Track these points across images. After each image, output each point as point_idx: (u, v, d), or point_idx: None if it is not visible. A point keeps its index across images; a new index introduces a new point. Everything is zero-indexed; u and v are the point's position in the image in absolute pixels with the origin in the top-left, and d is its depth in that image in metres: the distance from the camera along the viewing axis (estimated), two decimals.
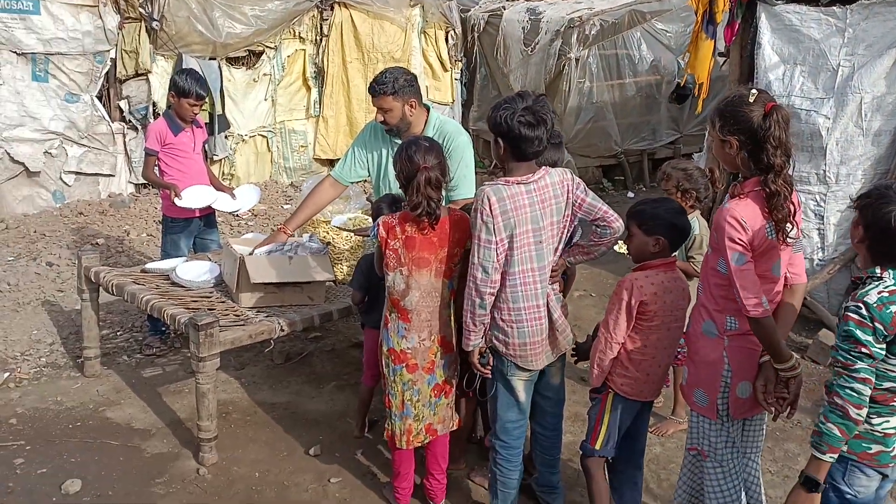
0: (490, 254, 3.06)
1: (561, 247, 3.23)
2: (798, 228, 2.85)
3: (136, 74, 8.40)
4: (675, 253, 3.91)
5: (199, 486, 3.86)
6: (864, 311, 2.44)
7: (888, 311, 2.43)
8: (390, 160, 3.83)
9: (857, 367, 2.45)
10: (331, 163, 9.94)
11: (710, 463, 2.97)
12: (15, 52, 7.73)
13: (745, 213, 2.74)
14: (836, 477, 2.64)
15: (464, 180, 4.07)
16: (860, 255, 2.62)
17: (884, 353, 2.46)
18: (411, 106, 4.02)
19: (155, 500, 3.75)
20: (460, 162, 4.06)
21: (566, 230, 3.24)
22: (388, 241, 3.29)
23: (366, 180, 4.61)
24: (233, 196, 5.30)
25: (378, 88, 3.97)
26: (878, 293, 2.46)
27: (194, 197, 5.09)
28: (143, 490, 3.82)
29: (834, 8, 5.41)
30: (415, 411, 3.41)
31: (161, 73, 8.46)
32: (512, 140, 3.07)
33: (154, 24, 8.21)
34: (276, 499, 3.78)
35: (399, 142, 4.02)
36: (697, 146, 8.91)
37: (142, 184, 8.79)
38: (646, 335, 3.17)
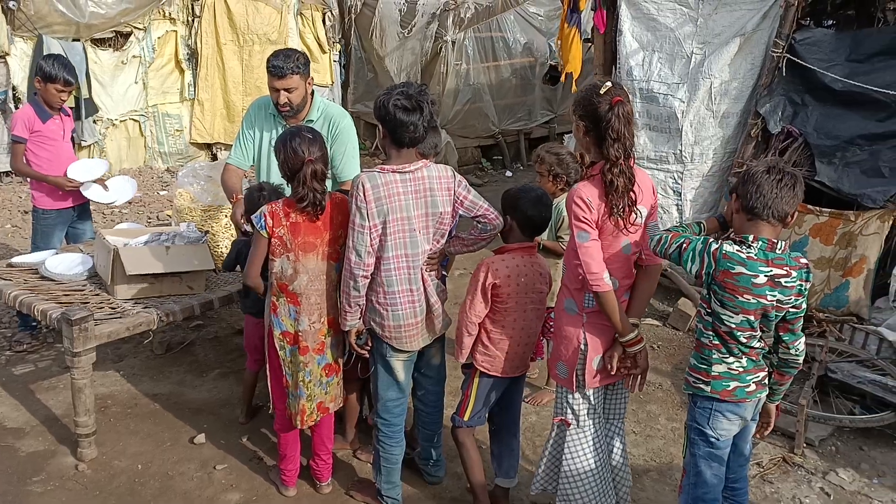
0: (363, 238, 3.16)
1: (443, 239, 3.35)
2: (653, 213, 3.09)
3: None
4: (545, 235, 4.15)
5: (78, 483, 3.80)
6: (714, 246, 2.80)
7: (728, 265, 2.78)
8: None
9: (668, 251, 2.91)
10: (208, 146, 9.77)
11: (573, 430, 3.20)
12: None
13: (591, 194, 2.94)
14: (702, 421, 2.97)
15: (351, 161, 4.14)
16: (735, 225, 2.91)
17: (691, 268, 2.86)
18: (310, 83, 4.04)
19: (32, 500, 3.67)
20: (347, 145, 4.13)
21: (449, 225, 3.36)
22: (274, 228, 3.33)
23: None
24: (105, 188, 5.14)
25: (285, 70, 3.92)
26: (737, 250, 2.79)
27: (82, 171, 4.98)
28: (19, 489, 3.73)
29: None
30: (307, 392, 3.49)
31: (20, 56, 8.05)
32: (389, 124, 3.17)
33: (11, 3, 7.78)
34: (160, 489, 3.78)
35: (282, 122, 4.07)
36: (570, 126, 9.27)
37: (4, 172, 8.36)
38: (502, 316, 3.35)
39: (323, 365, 3.50)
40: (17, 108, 8.09)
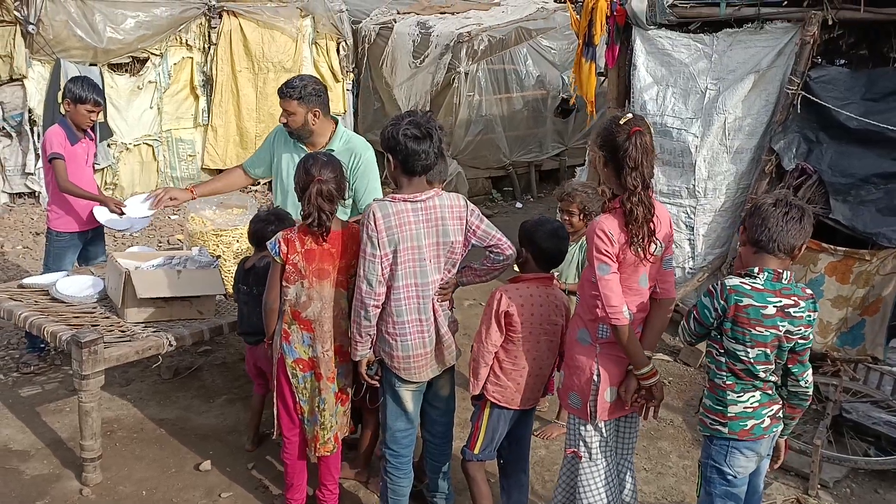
0: (375, 267, 3.15)
1: (454, 268, 3.34)
2: (669, 246, 3.07)
3: (11, 80, 8.05)
4: (570, 279, 4.14)
5: None
6: (718, 289, 2.84)
7: (736, 298, 2.79)
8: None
9: (691, 328, 2.97)
10: (220, 172, 9.79)
11: (585, 463, 3.16)
12: None
13: (612, 227, 2.94)
14: (719, 459, 2.94)
15: (374, 193, 4.18)
16: (742, 257, 2.92)
17: (713, 320, 2.87)
18: (314, 115, 4.09)
19: None
20: (369, 176, 4.18)
21: (460, 255, 3.34)
22: (289, 255, 3.34)
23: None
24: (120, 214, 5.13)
25: (285, 91, 4.06)
26: (741, 282, 2.81)
27: (136, 209, 5.02)
28: None
29: (702, 35, 5.81)
30: (321, 419, 3.47)
31: (37, 79, 8.14)
32: (400, 154, 3.17)
33: (30, 27, 7.89)
34: None
35: (303, 147, 4.13)
36: (581, 159, 9.28)
37: (16, 193, 8.41)
38: (515, 346, 3.32)
39: (334, 394, 3.48)
40: (32, 130, 8.16)
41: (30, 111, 8.15)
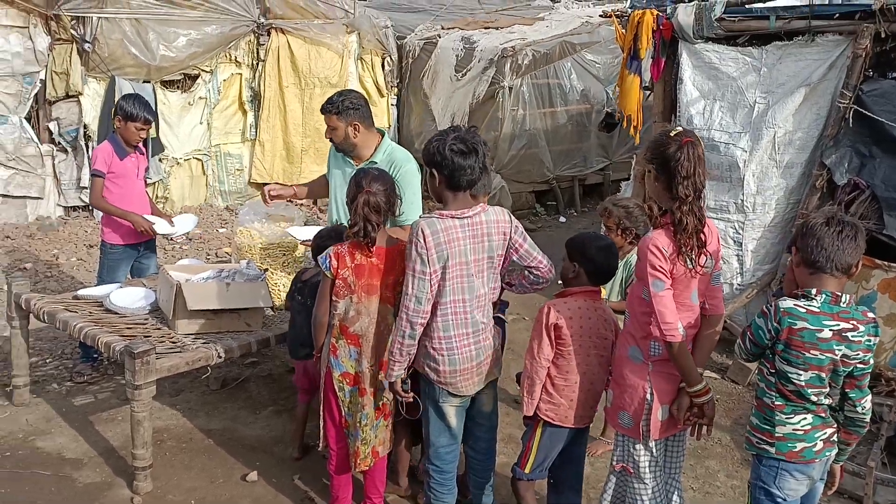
0: (424, 285, 3.16)
1: (496, 283, 3.35)
2: (717, 260, 3.04)
3: (67, 96, 8.29)
4: (614, 297, 4.11)
5: None
6: (772, 310, 2.78)
7: (790, 321, 2.73)
8: (344, 182, 4.00)
9: (747, 348, 2.92)
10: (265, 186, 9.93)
11: (636, 481, 3.13)
12: None
13: (665, 243, 2.92)
14: (768, 481, 2.89)
15: (410, 206, 4.20)
16: (797, 279, 2.85)
17: (767, 341, 2.82)
18: (354, 128, 4.15)
19: None
20: (406, 190, 4.21)
21: (502, 267, 3.35)
22: (339, 270, 3.38)
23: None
24: (171, 223, 5.30)
25: (325, 107, 4.19)
26: (795, 304, 2.75)
27: (184, 223, 5.33)
28: None
29: (750, 48, 5.75)
30: (362, 435, 3.49)
31: (92, 96, 8.37)
32: (446, 169, 3.19)
33: (86, 45, 8.12)
34: None
35: (351, 162, 4.22)
36: (626, 173, 9.21)
37: (72, 207, 8.64)
38: (566, 361, 3.31)
39: (376, 408, 3.50)
40: (87, 145, 8.40)
41: (85, 127, 8.37)
